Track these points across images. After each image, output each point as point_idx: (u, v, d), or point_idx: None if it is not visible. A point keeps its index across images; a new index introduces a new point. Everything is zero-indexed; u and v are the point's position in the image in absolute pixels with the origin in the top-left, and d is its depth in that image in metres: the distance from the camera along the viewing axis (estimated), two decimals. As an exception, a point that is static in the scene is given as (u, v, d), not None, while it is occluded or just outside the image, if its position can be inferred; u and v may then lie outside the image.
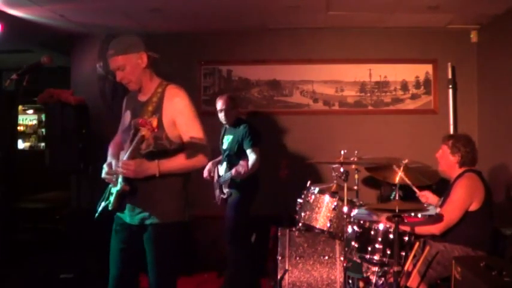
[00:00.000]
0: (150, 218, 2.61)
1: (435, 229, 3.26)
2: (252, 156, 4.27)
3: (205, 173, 4.60)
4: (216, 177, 4.64)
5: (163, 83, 2.73)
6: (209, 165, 4.59)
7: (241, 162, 4.15)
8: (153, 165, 2.54)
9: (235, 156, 4.38)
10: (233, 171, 4.21)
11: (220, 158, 4.68)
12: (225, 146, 4.52)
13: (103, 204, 2.64)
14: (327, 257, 3.67)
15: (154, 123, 2.48)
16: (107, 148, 2.88)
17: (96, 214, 2.63)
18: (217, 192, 4.63)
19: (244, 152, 4.33)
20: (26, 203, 5.92)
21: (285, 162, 4.50)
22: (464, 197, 3.28)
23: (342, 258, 3.59)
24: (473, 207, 3.28)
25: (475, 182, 3.34)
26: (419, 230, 3.28)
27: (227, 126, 4.56)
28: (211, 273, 4.95)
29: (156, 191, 2.60)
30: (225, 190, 4.44)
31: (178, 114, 2.63)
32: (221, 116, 4.46)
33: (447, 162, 3.50)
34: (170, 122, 2.62)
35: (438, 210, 3.40)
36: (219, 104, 4.46)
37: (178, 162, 2.60)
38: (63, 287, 4.41)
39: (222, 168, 4.56)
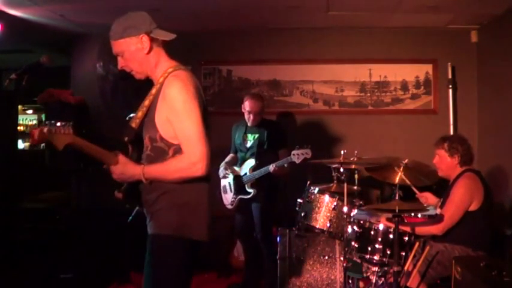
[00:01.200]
0: (151, 228, 2.25)
1: (435, 229, 3.26)
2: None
3: (224, 179, 4.44)
4: (223, 178, 4.46)
5: (169, 70, 2.23)
6: (224, 170, 4.41)
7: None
8: (138, 170, 2.17)
9: (265, 153, 4.32)
10: (271, 167, 4.10)
11: (229, 157, 4.54)
12: (249, 144, 4.41)
13: (137, 207, 2.39)
14: (327, 257, 3.67)
15: (35, 134, 1.96)
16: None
17: (130, 218, 2.42)
18: (229, 195, 4.41)
19: (275, 149, 4.31)
20: (26, 203, 5.90)
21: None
22: (464, 196, 3.28)
23: (342, 258, 3.59)
24: (473, 207, 3.28)
25: (474, 182, 3.34)
26: (420, 230, 3.28)
27: (249, 124, 4.42)
28: (211, 273, 4.95)
29: (158, 199, 2.21)
30: (250, 190, 4.26)
31: (170, 110, 2.14)
32: (252, 116, 4.32)
33: (447, 165, 3.48)
34: (164, 120, 2.17)
35: (438, 210, 3.40)
36: (253, 106, 4.31)
37: (164, 168, 2.16)
38: (63, 287, 4.41)
39: (244, 167, 4.35)
